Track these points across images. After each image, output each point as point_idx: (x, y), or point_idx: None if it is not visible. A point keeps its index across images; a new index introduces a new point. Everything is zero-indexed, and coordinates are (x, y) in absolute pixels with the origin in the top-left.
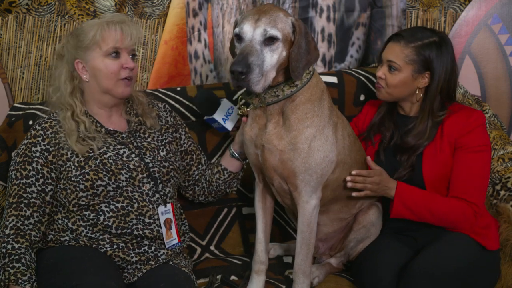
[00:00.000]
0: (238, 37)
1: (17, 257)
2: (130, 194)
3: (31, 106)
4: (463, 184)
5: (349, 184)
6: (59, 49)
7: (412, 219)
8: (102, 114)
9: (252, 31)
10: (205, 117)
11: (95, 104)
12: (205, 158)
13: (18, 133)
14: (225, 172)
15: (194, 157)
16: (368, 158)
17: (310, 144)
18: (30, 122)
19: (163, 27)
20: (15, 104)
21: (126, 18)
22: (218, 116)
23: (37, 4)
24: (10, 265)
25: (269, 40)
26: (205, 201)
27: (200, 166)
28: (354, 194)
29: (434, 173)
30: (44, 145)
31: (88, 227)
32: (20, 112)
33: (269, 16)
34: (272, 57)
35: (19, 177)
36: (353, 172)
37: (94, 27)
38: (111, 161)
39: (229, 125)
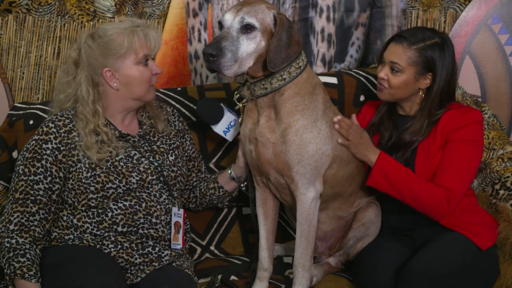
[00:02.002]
0: (220, 25)
1: (22, 252)
2: (138, 194)
3: (31, 106)
4: (443, 172)
5: (336, 126)
6: (75, 55)
7: (388, 192)
8: (117, 117)
9: (231, 19)
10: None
11: (114, 109)
12: (205, 167)
13: (18, 133)
14: (220, 190)
15: (196, 164)
16: (353, 115)
17: (301, 136)
18: (31, 122)
19: (163, 27)
20: (16, 104)
21: (148, 24)
22: (219, 129)
23: (37, 4)
24: (16, 260)
25: (246, 28)
26: (194, 209)
27: (199, 174)
28: (338, 140)
29: (425, 168)
30: (55, 143)
31: (93, 224)
32: (21, 112)
33: (250, 7)
34: (248, 45)
35: (27, 173)
36: (338, 117)
37: (126, 34)
38: (122, 163)
39: (229, 137)
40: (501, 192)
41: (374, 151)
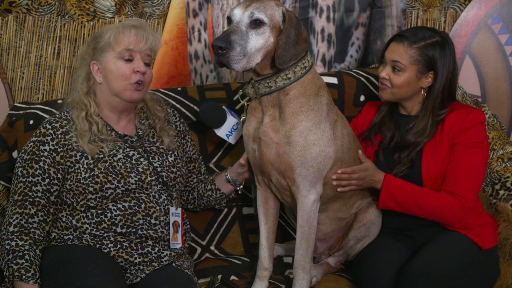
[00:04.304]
0: (229, 20)
1: (20, 253)
2: (137, 195)
3: (31, 106)
4: (454, 178)
5: (334, 183)
6: (82, 52)
7: (399, 211)
8: (112, 117)
9: (240, 14)
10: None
11: (106, 107)
12: (205, 168)
13: (18, 132)
14: (217, 192)
15: (196, 165)
16: (359, 152)
17: (305, 137)
18: (31, 122)
19: (163, 27)
20: (16, 104)
21: (144, 23)
22: (222, 132)
23: (37, 4)
24: (14, 262)
25: (256, 24)
26: (193, 210)
27: (199, 175)
28: (339, 189)
29: (432, 170)
30: (53, 145)
31: (92, 225)
32: (21, 112)
33: (260, 3)
34: (257, 40)
35: (26, 175)
36: (338, 171)
37: (111, 30)
38: (120, 163)
39: (232, 140)
40: (501, 192)
41: (379, 177)
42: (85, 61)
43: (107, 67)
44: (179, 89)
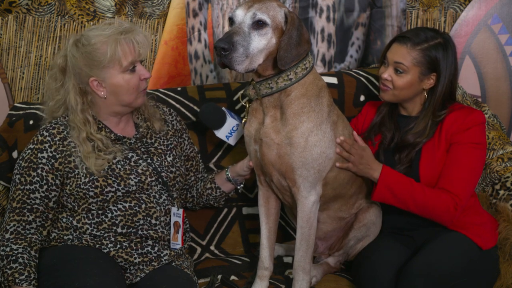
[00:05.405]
0: (231, 21)
1: (14, 257)
2: (138, 195)
3: (31, 106)
4: (449, 176)
5: (337, 150)
6: (61, 62)
7: (394, 205)
8: (111, 121)
9: (243, 15)
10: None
11: (107, 114)
12: (203, 165)
13: (18, 132)
14: (217, 190)
15: (194, 163)
16: (354, 132)
17: (307, 138)
18: (31, 122)
19: (163, 27)
20: (16, 104)
21: (134, 26)
22: (221, 134)
23: (37, 4)
24: (8, 266)
25: (258, 25)
26: (192, 209)
27: (197, 174)
28: (337, 164)
29: (429, 169)
30: (51, 151)
31: (93, 225)
32: (21, 112)
33: (262, 4)
34: (259, 41)
35: (24, 183)
36: (341, 137)
37: (109, 43)
38: (119, 166)
39: (232, 141)
40: (501, 192)
41: (376, 166)
42: (70, 74)
43: (115, 83)
44: (179, 89)
